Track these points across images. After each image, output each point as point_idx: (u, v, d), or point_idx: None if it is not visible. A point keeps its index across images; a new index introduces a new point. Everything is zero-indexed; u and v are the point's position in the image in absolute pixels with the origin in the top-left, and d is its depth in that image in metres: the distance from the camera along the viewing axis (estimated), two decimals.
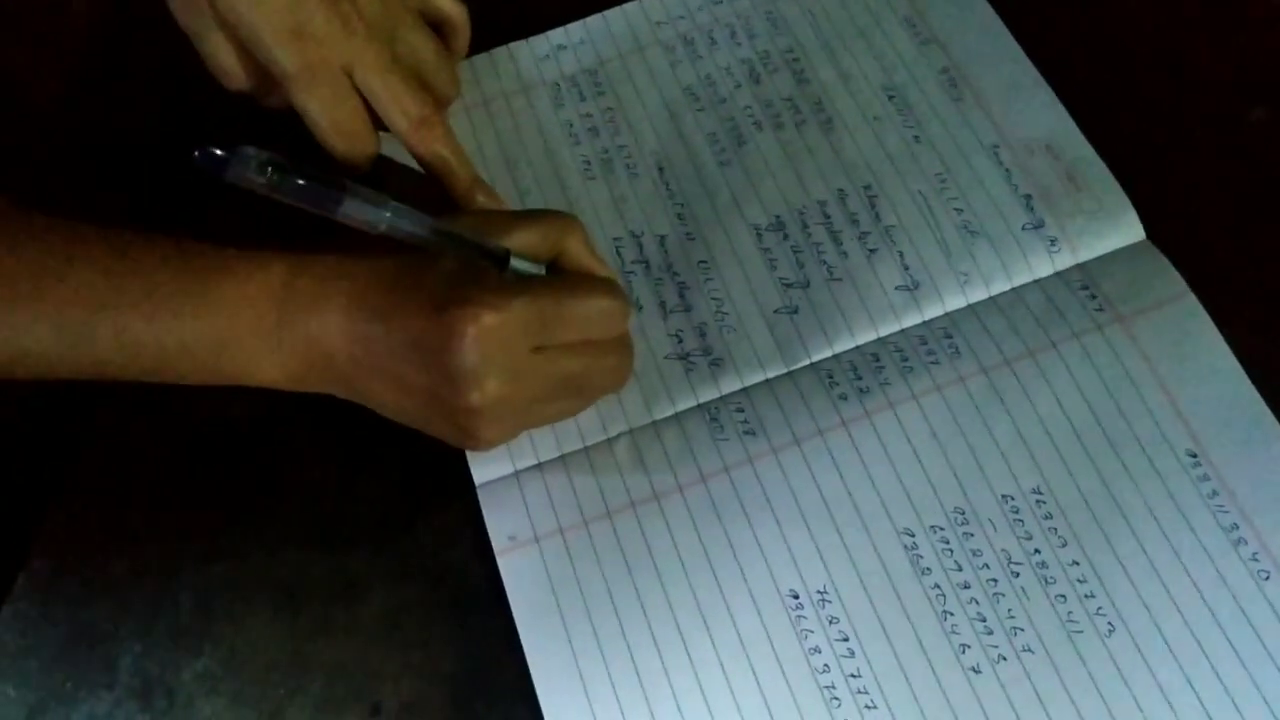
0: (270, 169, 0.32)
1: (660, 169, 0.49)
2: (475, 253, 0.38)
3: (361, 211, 0.35)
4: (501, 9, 0.53)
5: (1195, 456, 0.41)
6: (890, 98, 0.50)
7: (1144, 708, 0.37)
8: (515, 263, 0.38)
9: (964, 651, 0.38)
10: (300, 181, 0.33)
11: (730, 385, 0.44)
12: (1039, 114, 0.48)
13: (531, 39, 0.54)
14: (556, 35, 0.54)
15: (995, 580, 0.39)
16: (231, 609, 0.42)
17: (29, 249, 0.38)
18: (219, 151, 0.31)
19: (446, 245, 0.37)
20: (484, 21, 0.51)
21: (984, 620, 0.39)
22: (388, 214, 0.35)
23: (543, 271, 0.40)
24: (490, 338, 0.36)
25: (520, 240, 0.39)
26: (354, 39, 0.43)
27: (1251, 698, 0.37)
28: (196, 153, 0.31)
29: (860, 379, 0.44)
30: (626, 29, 0.53)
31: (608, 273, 0.42)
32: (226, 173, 0.32)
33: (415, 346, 0.37)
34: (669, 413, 0.44)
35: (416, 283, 0.37)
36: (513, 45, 0.53)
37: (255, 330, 0.38)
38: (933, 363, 0.43)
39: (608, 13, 0.54)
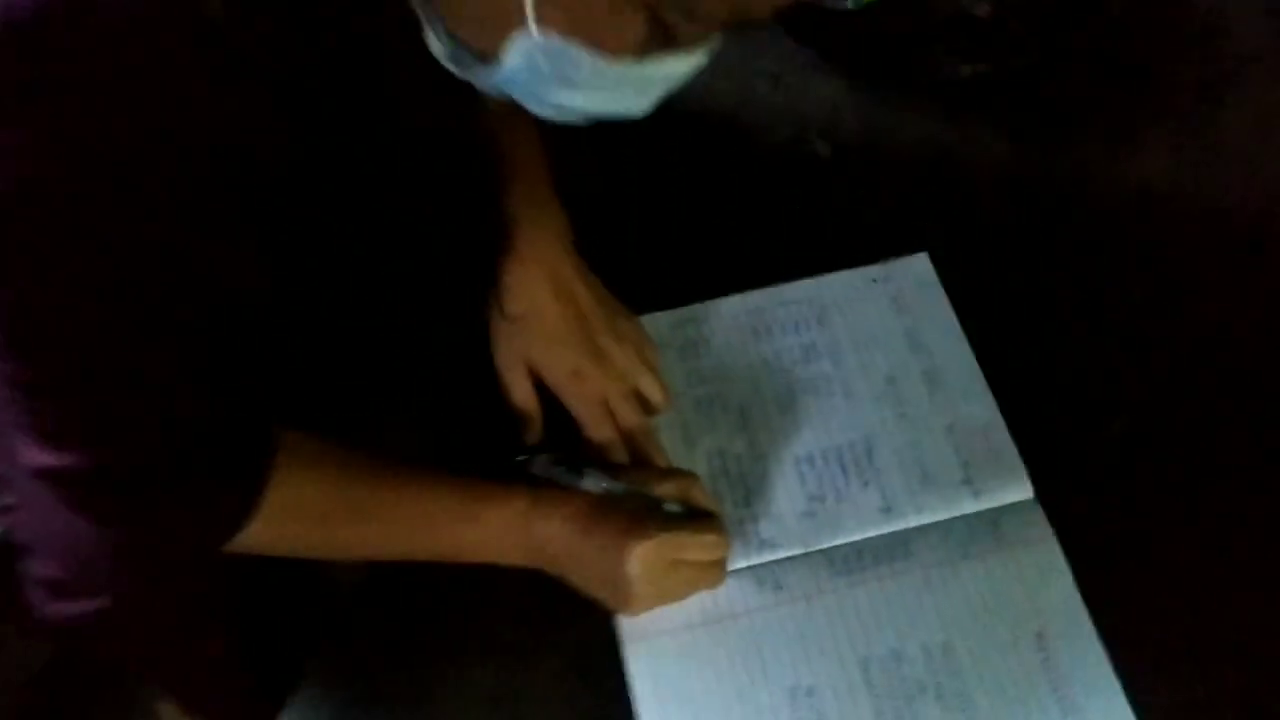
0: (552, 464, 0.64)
1: (741, 410, 0.79)
2: (643, 500, 0.68)
3: (592, 483, 0.67)
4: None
5: (1040, 637, 0.69)
6: (889, 382, 0.79)
7: None
8: (665, 506, 0.69)
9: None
10: (560, 468, 0.64)
11: (768, 557, 0.73)
12: (981, 409, 0.77)
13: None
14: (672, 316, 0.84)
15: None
16: None
17: (356, 489, 0.67)
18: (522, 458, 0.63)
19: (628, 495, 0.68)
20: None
21: None
22: (604, 484, 0.66)
23: (679, 509, 0.70)
24: (647, 556, 0.66)
25: (666, 490, 0.70)
26: (608, 378, 0.74)
27: None
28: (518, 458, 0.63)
29: (847, 562, 0.72)
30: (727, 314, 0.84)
31: (717, 511, 0.72)
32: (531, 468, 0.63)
33: (604, 553, 0.67)
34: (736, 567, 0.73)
35: (606, 515, 0.68)
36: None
37: (507, 537, 0.68)
38: (890, 559, 0.72)
39: (718, 302, 0.84)
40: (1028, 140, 0.90)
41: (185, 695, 0.85)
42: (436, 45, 0.53)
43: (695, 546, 0.70)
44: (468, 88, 0.55)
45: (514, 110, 0.57)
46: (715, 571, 0.71)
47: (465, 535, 0.69)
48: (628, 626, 0.71)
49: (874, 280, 0.84)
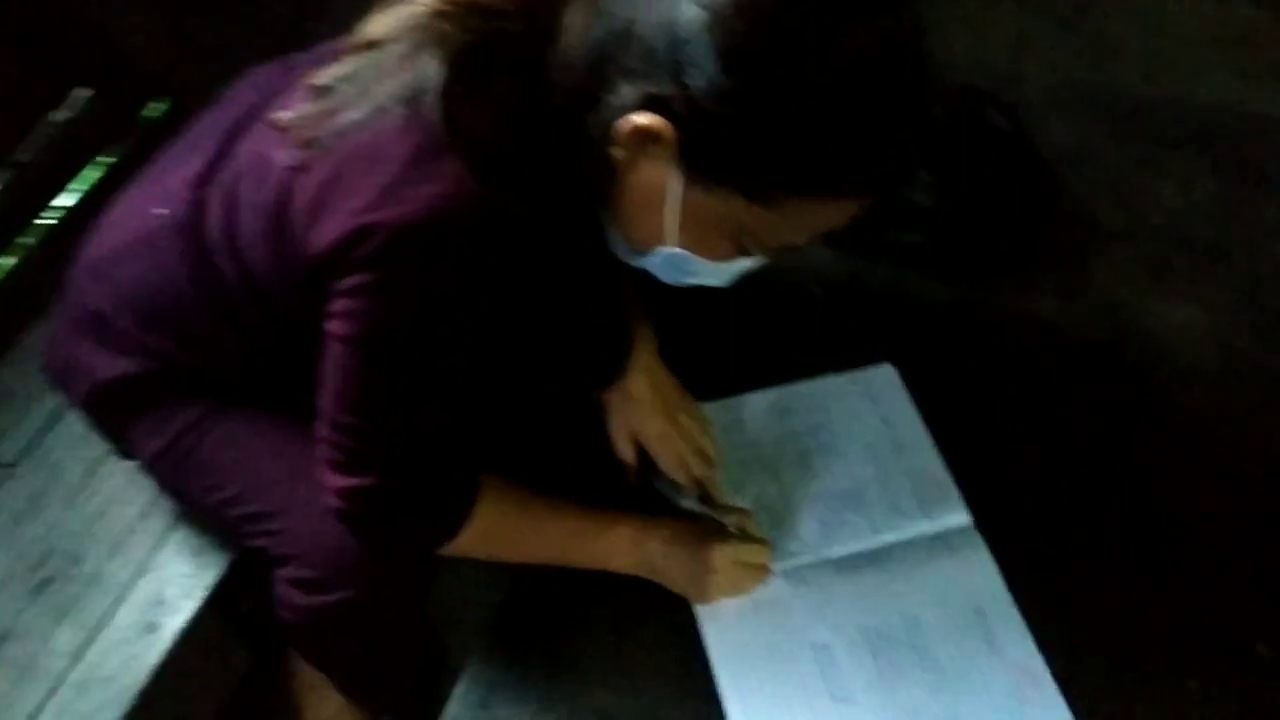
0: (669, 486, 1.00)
1: (771, 467, 1.15)
2: (720, 523, 1.04)
3: (690, 503, 1.03)
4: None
5: (978, 611, 1.04)
6: (869, 449, 1.16)
7: None
8: (729, 529, 1.05)
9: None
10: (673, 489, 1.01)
11: (794, 563, 1.08)
12: (934, 467, 1.13)
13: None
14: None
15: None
16: None
17: (526, 514, 1.01)
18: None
19: (710, 519, 1.04)
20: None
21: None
22: (697, 506, 1.02)
23: (738, 534, 1.06)
24: (724, 558, 1.02)
25: (730, 520, 1.06)
26: (683, 439, 1.10)
27: None
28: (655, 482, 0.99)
29: (847, 565, 1.07)
30: (755, 403, 1.20)
31: (763, 536, 1.07)
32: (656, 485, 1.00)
33: (694, 557, 1.02)
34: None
35: (693, 532, 1.03)
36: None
37: (622, 554, 1.03)
38: (876, 562, 1.07)
39: (749, 395, 1.21)
40: (955, 286, 1.30)
41: (359, 680, 1.16)
42: (612, 241, 0.90)
43: (750, 554, 1.05)
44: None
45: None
46: (762, 574, 1.06)
47: (592, 549, 1.03)
48: (702, 610, 1.05)
49: (854, 382, 1.22)
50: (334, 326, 0.85)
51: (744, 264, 0.89)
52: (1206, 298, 1.27)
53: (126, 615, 1.15)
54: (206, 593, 1.16)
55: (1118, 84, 1.58)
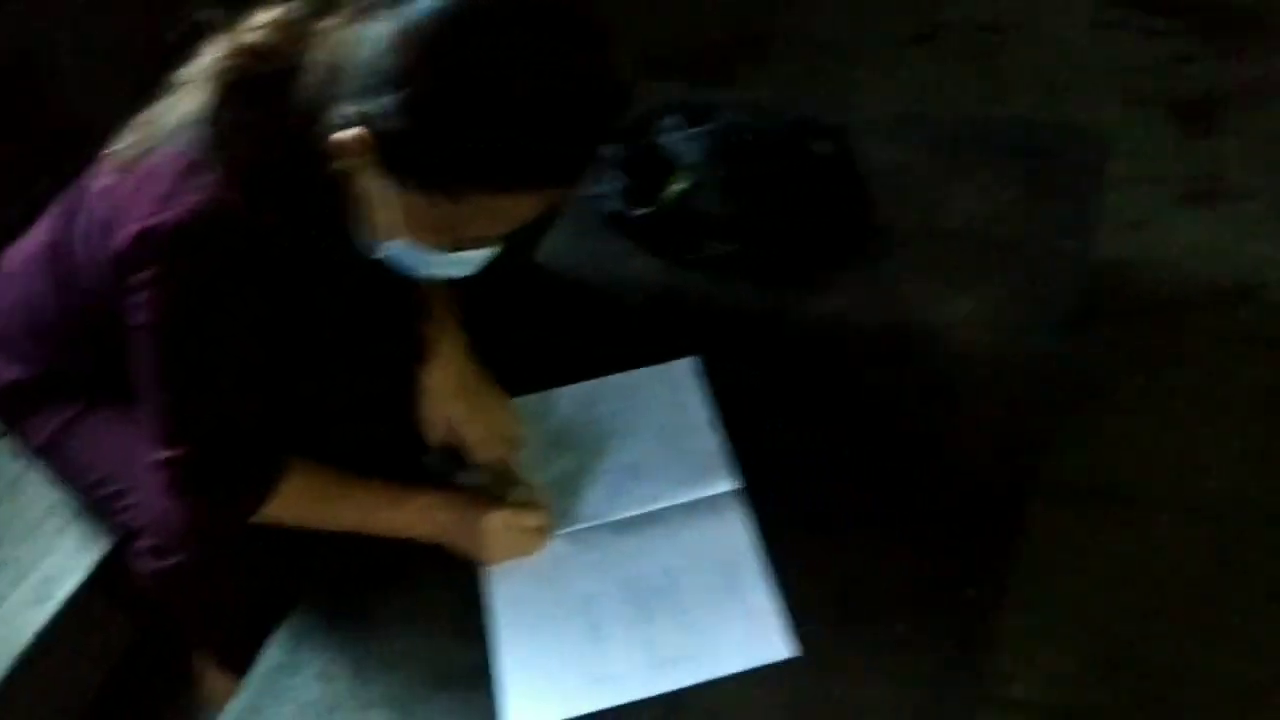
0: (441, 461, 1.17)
1: (575, 446, 1.29)
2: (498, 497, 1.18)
3: (465, 477, 1.19)
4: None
5: (725, 564, 1.16)
6: (661, 429, 1.29)
7: None
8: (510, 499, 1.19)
9: None
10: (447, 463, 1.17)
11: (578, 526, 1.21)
12: (711, 441, 1.26)
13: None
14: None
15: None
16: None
17: (323, 491, 1.16)
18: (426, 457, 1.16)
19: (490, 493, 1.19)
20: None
21: None
22: (474, 478, 1.17)
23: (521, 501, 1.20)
24: (494, 521, 1.16)
25: (514, 491, 1.20)
26: (487, 421, 1.24)
27: None
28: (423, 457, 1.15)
29: (625, 527, 1.20)
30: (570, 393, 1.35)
31: (548, 506, 1.21)
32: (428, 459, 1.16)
33: (473, 522, 1.16)
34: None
35: (474, 501, 1.18)
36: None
37: (418, 522, 1.17)
38: (651, 524, 1.20)
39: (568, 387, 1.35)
40: (764, 290, 1.44)
41: (215, 642, 1.32)
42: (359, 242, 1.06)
43: (523, 519, 1.18)
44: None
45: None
46: (538, 538, 1.19)
47: (394, 520, 1.18)
48: (493, 568, 1.20)
49: (660, 374, 1.35)
50: (133, 317, 1.03)
51: (477, 255, 1.04)
52: (989, 292, 1.39)
53: (24, 590, 1.33)
54: (90, 569, 1.34)
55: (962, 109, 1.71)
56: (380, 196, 0.97)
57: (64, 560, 1.34)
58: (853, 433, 1.27)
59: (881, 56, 2.51)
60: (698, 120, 1.55)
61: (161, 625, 1.40)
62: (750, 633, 1.11)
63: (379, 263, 1.08)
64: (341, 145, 0.94)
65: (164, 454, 1.07)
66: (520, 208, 0.97)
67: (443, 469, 1.23)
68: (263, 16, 1.00)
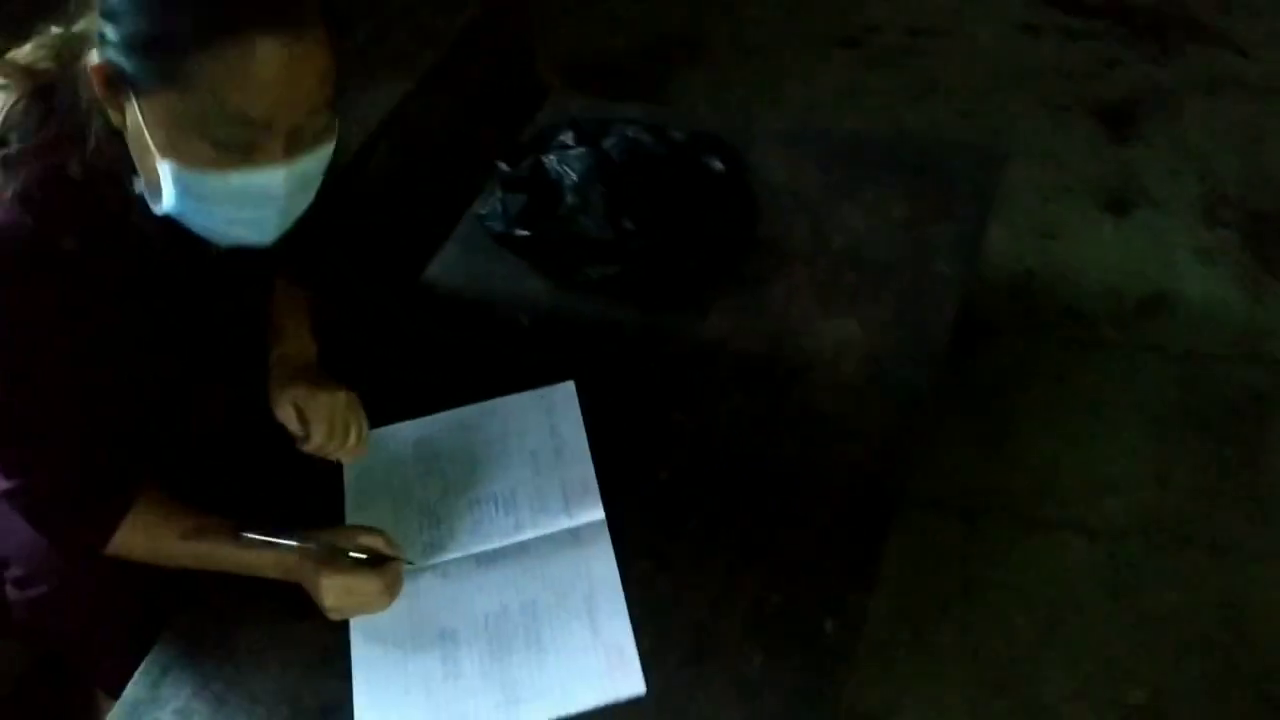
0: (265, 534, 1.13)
1: (443, 474, 1.28)
2: (338, 553, 1.15)
3: (294, 540, 1.14)
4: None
5: (587, 597, 1.15)
6: (533, 455, 1.29)
7: None
8: (353, 554, 1.16)
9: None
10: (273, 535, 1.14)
11: (443, 558, 1.21)
12: (583, 471, 1.26)
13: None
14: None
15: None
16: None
17: (170, 527, 1.14)
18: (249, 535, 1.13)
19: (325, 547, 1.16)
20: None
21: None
22: (299, 543, 1.14)
23: (364, 557, 1.17)
24: (330, 589, 1.12)
25: (353, 545, 1.16)
26: (328, 410, 1.22)
27: None
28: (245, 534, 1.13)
29: (489, 559, 1.20)
30: (448, 419, 1.34)
31: (398, 557, 1.18)
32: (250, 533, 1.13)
33: (310, 587, 1.13)
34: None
35: (307, 563, 1.13)
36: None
37: (268, 566, 1.15)
38: (516, 556, 1.20)
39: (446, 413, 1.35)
40: (646, 311, 1.43)
41: (92, 667, 1.30)
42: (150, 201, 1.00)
43: (363, 582, 1.14)
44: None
45: (286, 289, 1.10)
46: (384, 600, 1.16)
47: (242, 559, 1.15)
48: None
49: (536, 399, 1.35)
50: None
51: (255, 179, 0.95)
52: (865, 314, 1.39)
53: None
54: None
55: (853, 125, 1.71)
56: (132, 124, 0.95)
57: None
58: (718, 461, 1.27)
59: (803, 62, 2.50)
60: (588, 138, 1.54)
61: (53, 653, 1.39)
62: (605, 669, 1.10)
63: (201, 260, 1.07)
64: (89, 79, 0.94)
65: (5, 484, 1.06)
66: (251, 69, 0.89)
67: (270, 538, 1.16)
68: (35, 40, 1.00)
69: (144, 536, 1.12)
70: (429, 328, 1.46)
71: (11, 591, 1.22)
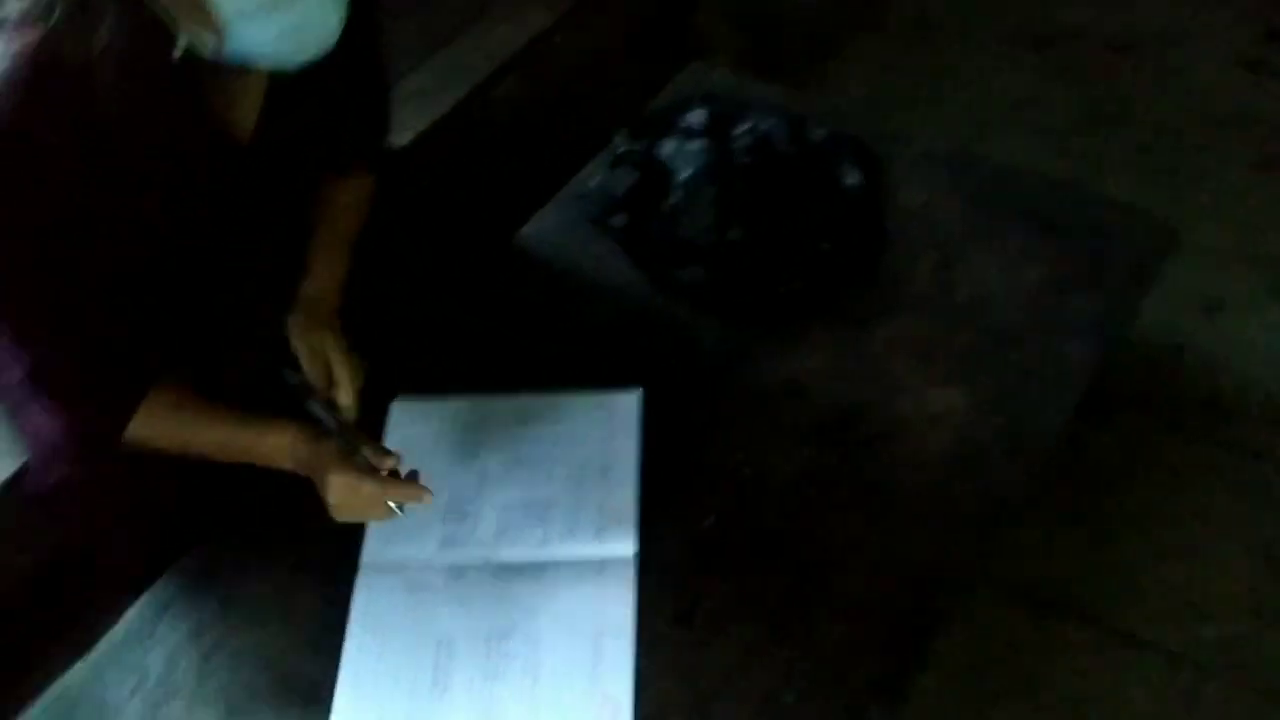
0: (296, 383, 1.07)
1: (480, 468, 1.21)
2: (352, 446, 1.08)
3: (316, 409, 1.08)
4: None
5: (596, 636, 1.08)
6: (580, 468, 1.20)
7: None
8: (359, 457, 1.08)
9: None
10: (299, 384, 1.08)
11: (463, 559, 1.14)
12: (626, 498, 1.17)
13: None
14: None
15: None
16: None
17: (189, 414, 1.09)
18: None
19: (339, 433, 1.09)
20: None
21: None
22: (322, 414, 1.08)
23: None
24: (337, 483, 1.05)
25: (368, 450, 1.07)
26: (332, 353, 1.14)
27: None
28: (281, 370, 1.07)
29: (509, 572, 1.13)
30: (502, 405, 1.27)
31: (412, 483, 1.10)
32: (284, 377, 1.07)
33: (322, 478, 1.06)
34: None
35: (322, 448, 1.06)
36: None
37: (280, 454, 1.08)
38: (536, 574, 1.12)
39: (500, 397, 1.27)
40: (735, 328, 1.32)
41: (105, 565, 1.29)
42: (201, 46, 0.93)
43: (371, 488, 1.04)
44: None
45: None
46: (385, 510, 1.06)
47: (255, 448, 1.10)
48: (361, 581, 1.13)
49: (598, 403, 1.26)
50: None
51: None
52: (974, 386, 1.25)
53: None
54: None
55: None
56: None
57: None
58: (770, 518, 1.16)
59: (985, 58, 2.29)
60: (717, 123, 1.41)
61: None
62: None
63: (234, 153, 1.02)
64: None
65: (26, 365, 1.02)
66: None
67: (299, 391, 1.12)
68: None
69: (159, 422, 1.08)
70: (508, 296, 1.37)
71: (30, 484, 1.21)
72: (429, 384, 1.28)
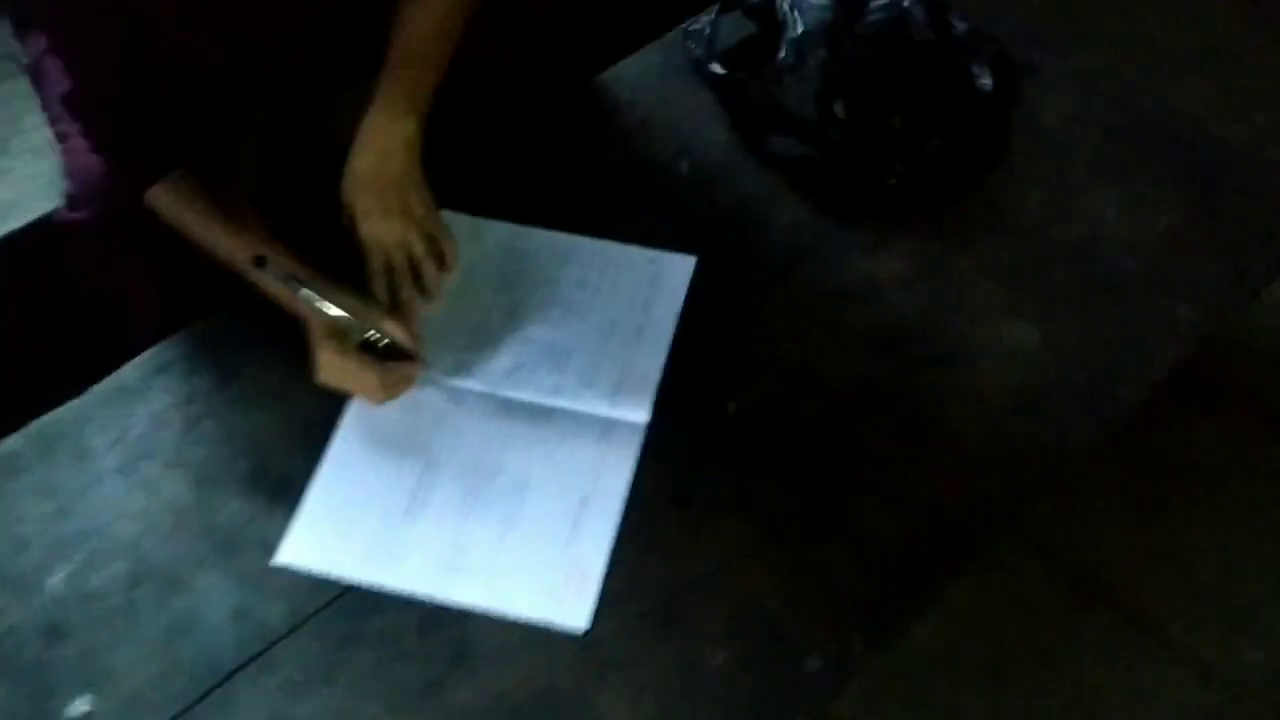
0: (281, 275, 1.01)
1: (514, 297, 1.13)
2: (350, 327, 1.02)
3: (306, 297, 1.01)
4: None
5: (584, 500, 1.00)
6: (611, 324, 1.12)
7: None
8: (369, 336, 1.03)
9: None
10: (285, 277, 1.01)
11: (466, 385, 1.07)
12: (652, 363, 1.08)
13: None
14: None
15: None
16: None
17: (206, 204, 1.04)
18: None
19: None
20: None
21: None
22: (316, 303, 1.01)
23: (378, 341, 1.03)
24: (326, 364, 1.00)
25: (377, 325, 1.02)
26: (407, 230, 1.06)
27: None
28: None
29: (509, 409, 1.06)
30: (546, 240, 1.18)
31: (416, 355, 1.04)
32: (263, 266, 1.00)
33: (317, 352, 1.00)
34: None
35: (324, 330, 1.01)
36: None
37: (283, 297, 1.03)
38: (539, 418, 1.05)
39: (544, 232, 1.18)
40: (817, 213, 1.20)
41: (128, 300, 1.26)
42: None
43: (363, 373, 1.01)
44: None
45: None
46: (379, 395, 1.02)
47: (264, 285, 1.04)
48: None
49: (649, 260, 1.17)
50: None
51: None
52: (1055, 327, 1.12)
53: None
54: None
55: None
56: None
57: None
58: (801, 418, 1.07)
59: None
60: None
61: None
62: (557, 587, 0.96)
63: None
64: None
65: (73, 85, 1.00)
66: None
67: (280, 280, 1.04)
68: None
69: (178, 198, 1.05)
70: (583, 134, 1.27)
71: (61, 213, 1.17)
72: (470, 204, 1.19)
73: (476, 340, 1.11)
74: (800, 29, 1.18)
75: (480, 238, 1.18)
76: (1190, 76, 1.95)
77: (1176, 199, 1.23)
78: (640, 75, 1.34)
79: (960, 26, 1.30)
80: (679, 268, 1.16)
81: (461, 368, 1.09)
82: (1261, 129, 1.87)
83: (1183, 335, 1.11)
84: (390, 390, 1.03)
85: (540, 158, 1.26)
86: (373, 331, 1.03)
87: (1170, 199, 1.23)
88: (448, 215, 1.17)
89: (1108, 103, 1.33)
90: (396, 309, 1.06)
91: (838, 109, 1.19)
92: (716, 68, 1.21)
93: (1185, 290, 1.15)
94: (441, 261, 1.08)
